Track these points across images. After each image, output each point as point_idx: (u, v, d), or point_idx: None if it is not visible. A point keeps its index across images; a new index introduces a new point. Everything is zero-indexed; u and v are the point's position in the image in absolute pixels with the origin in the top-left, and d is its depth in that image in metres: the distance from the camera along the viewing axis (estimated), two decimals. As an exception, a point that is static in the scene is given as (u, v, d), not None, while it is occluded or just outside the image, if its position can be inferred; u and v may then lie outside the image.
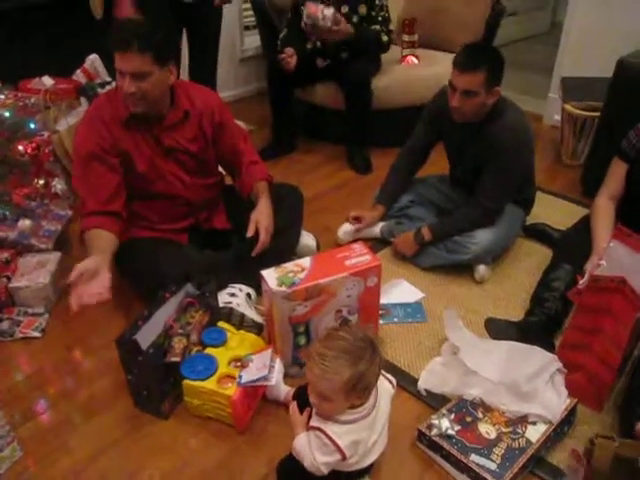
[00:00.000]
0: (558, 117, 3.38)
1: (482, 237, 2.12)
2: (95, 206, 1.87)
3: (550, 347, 1.81)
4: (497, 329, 1.92)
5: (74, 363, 1.90)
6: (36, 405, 1.73)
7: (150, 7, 2.69)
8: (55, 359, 1.89)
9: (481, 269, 2.18)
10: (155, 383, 1.62)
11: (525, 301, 2.05)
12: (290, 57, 2.90)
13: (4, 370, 1.86)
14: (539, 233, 2.44)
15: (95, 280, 1.65)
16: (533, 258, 2.33)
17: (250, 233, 1.93)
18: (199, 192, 2.09)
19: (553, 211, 2.65)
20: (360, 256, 1.68)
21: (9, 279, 2.07)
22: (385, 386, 1.43)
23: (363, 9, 2.95)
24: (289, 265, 1.66)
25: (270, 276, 1.62)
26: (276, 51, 3.04)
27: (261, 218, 1.97)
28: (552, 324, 1.92)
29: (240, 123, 3.54)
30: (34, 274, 2.08)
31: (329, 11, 2.78)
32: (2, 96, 2.11)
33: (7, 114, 2.09)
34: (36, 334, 1.97)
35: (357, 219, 2.39)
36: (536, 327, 1.89)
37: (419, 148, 2.40)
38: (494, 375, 1.66)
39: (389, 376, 1.47)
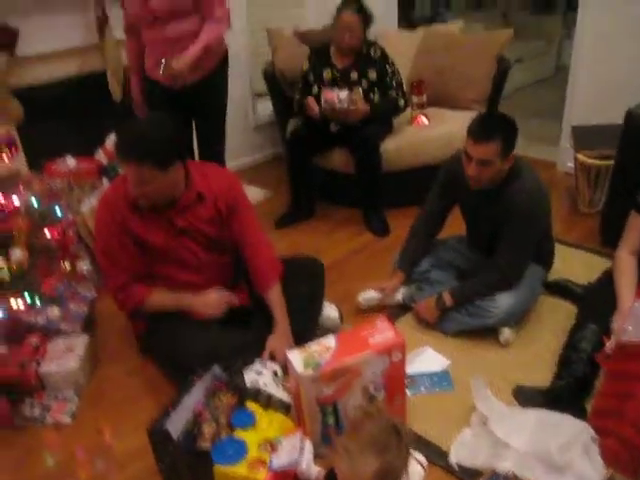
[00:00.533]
0: (571, 164, 3.39)
1: (504, 301, 2.12)
2: (125, 277, 1.99)
3: (581, 413, 1.78)
4: (526, 397, 1.90)
5: (105, 448, 1.91)
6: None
7: (152, 100, 2.83)
8: (86, 444, 1.91)
9: (505, 332, 2.17)
10: (187, 470, 1.62)
11: (552, 363, 2.03)
12: (313, 103, 2.99)
13: (36, 456, 1.87)
14: (562, 289, 2.43)
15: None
16: (557, 316, 2.31)
17: (264, 358, 1.94)
18: (215, 271, 2.12)
19: (574, 264, 2.64)
20: (383, 332, 1.69)
21: (39, 364, 2.11)
22: (416, 469, 1.42)
23: (373, 74, 3.04)
24: (313, 345, 1.67)
25: (295, 358, 1.63)
26: (291, 116, 3.17)
27: (278, 347, 1.97)
28: (581, 387, 1.89)
29: (257, 189, 3.65)
30: (63, 359, 2.11)
31: (344, 94, 2.90)
32: (32, 186, 2.18)
33: (35, 203, 2.16)
34: (67, 419, 1.99)
35: (379, 289, 2.42)
36: (565, 392, 1.87)
37: (435, 212, 2.42)
38: (525, 445, 1.64)
39: (419, 457, 1.46)
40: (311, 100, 3.01)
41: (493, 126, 2.03)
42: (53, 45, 2.99)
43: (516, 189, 2.08)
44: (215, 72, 2.77)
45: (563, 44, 6.62)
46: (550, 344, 2.16)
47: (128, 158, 1.81)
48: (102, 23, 3.02)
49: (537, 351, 2.15)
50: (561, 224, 3.00)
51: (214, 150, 2.99)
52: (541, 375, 2.01)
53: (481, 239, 2.34)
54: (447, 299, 2.20)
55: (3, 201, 1.94)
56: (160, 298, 2.03)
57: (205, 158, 2.94)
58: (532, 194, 2.10)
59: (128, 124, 1.91)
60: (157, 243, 1.98)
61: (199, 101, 2.79)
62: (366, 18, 2.99)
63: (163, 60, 2.59)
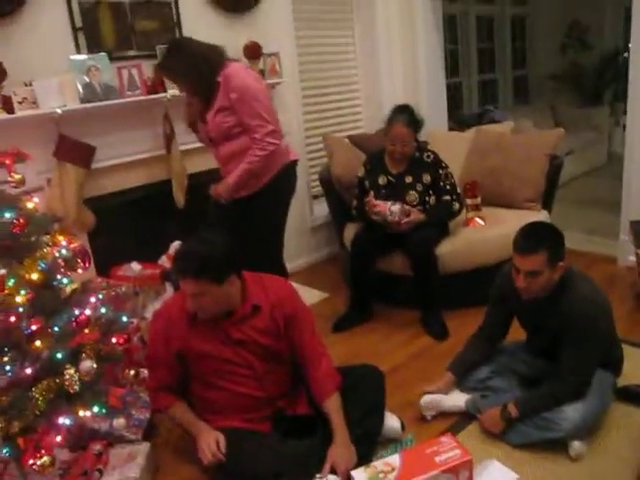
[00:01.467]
0: (633, 258, 3.32)
1: (572, 413, 2.04)
2: (158, 384, 2.14)
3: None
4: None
5: None
6: None
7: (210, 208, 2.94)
8: None
9: (576, 445, 2.06)
10: None
11: (630, 477, 1.92)
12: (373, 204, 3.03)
13: None
14: (634, 396, 2.32)
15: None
16: (632, 425, 2.20)
17: (325, 472, 1.92)
18: (274, 381, 2.12)
19: (644, 366, 2.53)
20: (450, 451, 1.65)
21: (101, 473, 2.12)
22: None
23: (427, 178, 3.11)
24: (378, 464, 1.64)
25: (360, 476, 1.61)
26: (348, 219, 3.30)
27: (340, 460, 1.94)
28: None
29: (313, 291, 3.69)
30: (125, 468, 2.12)
31: (396, 207, 2.97)
32: (100, 296, 2.28)
33: (103, 310, 2.25)
34: None
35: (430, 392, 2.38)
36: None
37: (494, 324, 2.41)
38: None
39: None
40: (372, 200, 3.03)
41: (538, 237, 2.06)
42: (123, 157, 3.21)
43: (574, 298, 2.07)
44: (264, 191, 2.80)
45: (613, 134, 6.68)
46: (626, 456, 2.05)
47: (185, 273, 1.92)
48: (169, 137, 3.24)
49: (612, 464, 2.04)
50: (626, 323, 2.90)
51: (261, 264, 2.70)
52: (619, 493, 1.90)
53: (542, 346, 2.29)
54: (512, 411, 2.13)
55: (77, 313, 2.03)
56: (179, 413, 2.15)
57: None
58: (589, 300, 2.07)
59: (188, 241, 2.04)
60: (213, 354, 2.04)
61: (244, 217, 2.84)
62: (417, 127, 3.08)
63: (213, 185, 2.83)
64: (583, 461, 2.07)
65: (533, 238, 2.06)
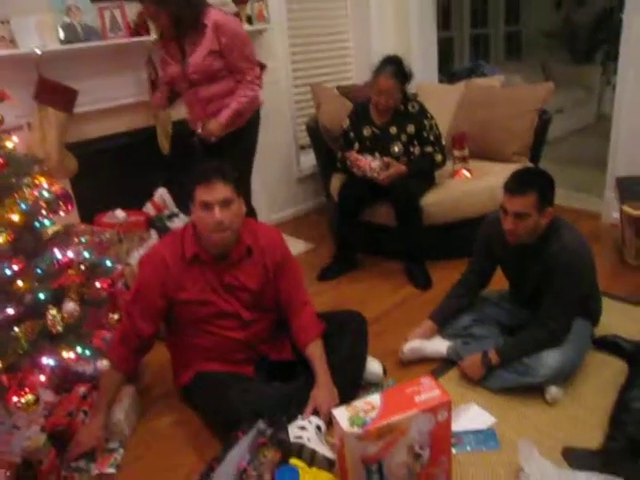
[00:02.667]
0: (617, 215, 3.35)
1: (551, 359, 2.08)
2: (127, 331, 2.08)
3: (637, 477, 1.72)
4: (576, 459, 1.84)
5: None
6: None
7: (192, 145, 2.99)
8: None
9: (552, 390, 2.11)
10: (230, 528, 1.62)
11: (603, 422, 1.97)
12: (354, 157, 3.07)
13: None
14: (610, 346, 2.37)
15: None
16: (607, 373, 2.25)
17: (307, 414, 1.95)
18: (258, 329, 2.14)
19: (622, 318, 2.57)
20: (429, 391, 1.67)
21: (86, 414, 2.14)
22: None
23: (411, 128, 3.10)
24: (359, 403, 1.66)
25: (341, 416, 1.62)
26: (335, 170, 3.30)
27: (321, 401, 1.97)
28: (636, 449, 1.82)
29: (299, 241, 3.69)
30: (110, 410, 2.15)
31: (375, 163, 2.98)
32: (83, 239, 2.25)
33: (87, 255, 2.23)
34: (111, 470, 2.00)
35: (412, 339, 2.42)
36: (619, 454, 1.80)
37: (478, 271, 2.43)
38: (579, 512, 1.58)
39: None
40: (353, 154, 3.07)
41: (528, 179, 2.07)
42: (107, 102, 3.14)
43: (556, 246, 2.08)
44: (244, 128, 2.96)
45: (603, 93, 6.64)
46: (599, 402, 2.10)
47: (215, 177, 1.91)
48: (154, 81, 3.16)
49: (586, 409, 2.09)
50: (608, 278, 2.94)
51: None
52: (591, 435, 1.95)
53: (524, 295, 2.32)
54: (493, 357, 2.17)
55: (59, 256, 2.01)
56: (107, 380, 2.10)
57: None
58: (574, 250, 2.09)
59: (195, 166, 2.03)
60: (203, 300, 2.04)
61: (228, 148, 2.94)
62: (404, 79, 3.04)
63: (199, 123, 2.89)
64: (558, 406, 2.12)
65: (524, 179, 2.07)
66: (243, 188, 2.90)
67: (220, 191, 1.91)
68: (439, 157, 3.11)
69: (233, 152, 2.93)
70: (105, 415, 2.04)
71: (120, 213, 3.04)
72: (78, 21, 2.85)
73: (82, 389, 2.22)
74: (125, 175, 3.29)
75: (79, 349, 1.96)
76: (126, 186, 3.27)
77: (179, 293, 2.03)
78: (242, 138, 2.98)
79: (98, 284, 2.24)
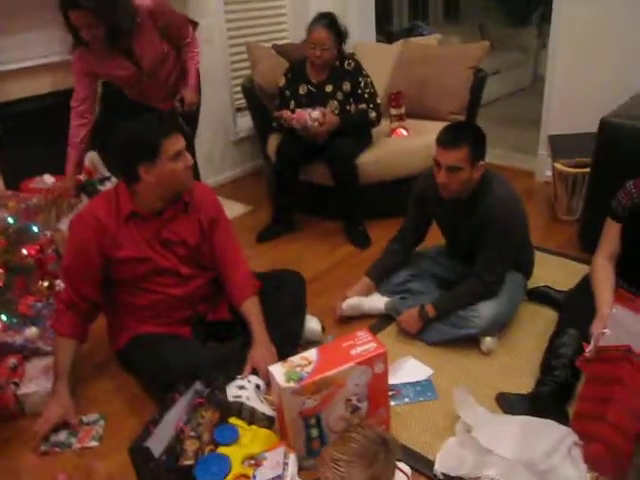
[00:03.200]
0: (550, 173, 3.43)
1: (485, 310, 2.13)
2: (71, 297, 1.98)
3: (564, 418, 1.79)
4: (509, 404, 1.90)
5: (88, 467, 1.86)
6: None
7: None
8: (66, 464, 1.85)
9: (487, 341, 2.17)
10: (169, 489, 1.60)
11: (535, 369, 2.04)
12: (288, 114, 3.03)
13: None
14: (542, 296, 2.45)
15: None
16: (539, 323, 2.33)
17: (246, 373, 1.95)
18: (196, 285, 2.11)
19: (554, 270, 2.66)
20: (365, 344, 1.69)
21: (17, 385, 2.07)
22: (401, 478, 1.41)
23: (347, 86, 3.07)
24: (295, 359, 1.66)
25: (278, 372, 1.62)
26: (271, 131, 3.26)
27: (259, 360, 1.97)
28: (563, 392, 1.90)
29: (237, 204, 3.64)
30: (42, 379, 2.08)
31: (315, 113, 2.93)
32: (8, 203, 2.15)
33: (11, 220, 2.14)
34: (94, 443, 1.92)
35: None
36: (548, 398, 1.87)
37: (412, 227, 2.46)
38: (510, 453, 1.63)
39: (405, 467, 1.45)
40: (286, 112, 3.03)
41: (461, 133, 2.09)
42: (28, 61, 2.97)
43: (489, 200, 2.12)
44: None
45: (539, 55, 6.76)
46: (531, 351, 2.17)
47: (171, 131, 1.90)
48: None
49: (519, 358, 2.17)
50: (540, 233, 3.03)
51: None
52: (524, 381, 2.02)
53: (460, 249, 2.37)
54: (429, 310, 2.21)
55: (-22, 220, 1.92)
56: (60, 350, 1.99)
57: None
58: (505, 203, 2.13)
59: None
60: (140, 256, 1.98)
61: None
62: (338, 33, 3.01)
63: (178, 97, 2.93)
64: (493, 356, 2.19)
65: (457, 133, 2.08)
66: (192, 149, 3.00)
67: (182, 139, 1.92)
68: (373, 114, 3.08)
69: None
70: (66, 385, 1.97)
71: (49, 178, 2.91)
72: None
73: (12, 360, 2.13)
74: (52, 139, 3.13)
75: (4, 317, 1.89)
76: (53, 150, 3.12)
77: (116, 251, 1.96)
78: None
79: (25, 251, 2.15)
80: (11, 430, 2.00)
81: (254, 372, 1.97)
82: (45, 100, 3.10)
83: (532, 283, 2.47)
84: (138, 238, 1.98)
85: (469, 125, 2.20)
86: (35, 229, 2.22)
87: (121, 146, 1.95)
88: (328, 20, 2.98)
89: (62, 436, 1.93)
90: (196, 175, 3.03)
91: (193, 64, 2.90)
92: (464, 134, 2.08)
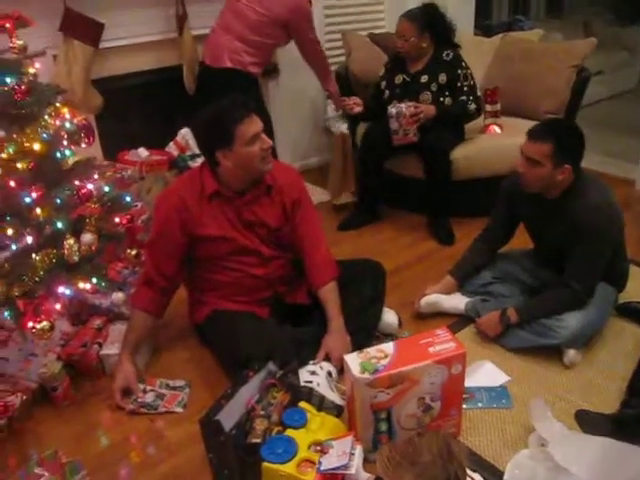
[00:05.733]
0: (651, 182, 3.24)
1: (572, 321, 2.03)
2: (151, 273, 2.05)
3: (651, 445, 1.69)
4: (590, 423, 1.81)
5: (158, 434, 1.92)
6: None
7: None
8: (139, 428, 1.93)
9: (571, 353, 2.07)
10: (235, 463, 1.62)
11: (620, 389, 1.94)
12: (356, 104, 3.05)
13: (93, 436, 1.92)
14: (633, 313, 2.32)
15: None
16: (627, 340, 2.21)
17: (319, 359, 1.95)
18: (277, 266, 2.13)
19: (648, 287, 2.51)
20: (444, 343, 1.65)
21: (100, 346, 2.17)
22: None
23: (443, 77, 2.99)
24: (372, 350, 1.64)
25: (353, 361, 1.61)
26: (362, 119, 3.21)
27: (333, 347, 1.96)
28: (652, 418, 1.80)
29: (322, 190, 3.64)
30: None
31: (405, 104, 2.89)
32: (106, 172, 2.24)
33: (107, 189, 2.22)
34: (179, 409, 1.98)
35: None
36: (635, 422, 1.77)
37: (499, 227, 2.38)
38: (588, 475, 1.55)
39: (475, 475, 1.41)
40: (355, 99, 3.07)
41: (551, 128, 2.02)
42: (133, 38, 3.07)
43: (582, 205, 2.01)
44: None
45: (647, 56, 6.37)
46: (618, 368, 2.06)
47: (249, 112, 1.91)
48: (182, 19, 3.09)
49: (603, 375, 2.06)
50: (637, 246, 2.86)
51: None
52: (607, 401, 1.92)
53: (548, 254, 2.26)
54: (512, 315, 2.13)
55: (79, 186, 2.00)
56: (137, 323, 2.06)
57: None
58: (600, 210, 2.01)
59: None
60: (223, 236, 2.02)
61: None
62: (428, 24, 2.96)
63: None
64: (575, 370, 2.08)
65: (546, 128, 2.02)
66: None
67: (258, 121, 1.93)
68: (472, 106, 2.99)
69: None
70: (131, 355, 2.04)
71: (143, 151, 3.02)
72: (107, -50, 2.77)
73: (97, 321, 2.25)
74: (150, 114, 3.25)
75: (94, 280, 1.98)
76: (150, 125, 3.25)
77: (199, 229, 2.01)
78: None
79: (117, 219, 2.24)
80: (92, 387, 2.11)
81: (327, 358, 1.97)
82: (145, 77, 3.21)
83: (623, 297, 2.33)
84: (221, 217, 2.02)
85: (566, 125, 2.10)
86: (128, 199, 2.30)
87: (198, 132, 2.04)
88: (416, 12, 2.98)
89: (150, 398, 2.00)
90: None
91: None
92: (553, 131, 2.00)
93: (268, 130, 2.28)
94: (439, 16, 3.01)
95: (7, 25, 1.98)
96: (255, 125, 1.91)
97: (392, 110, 2.88)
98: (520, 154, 2.06)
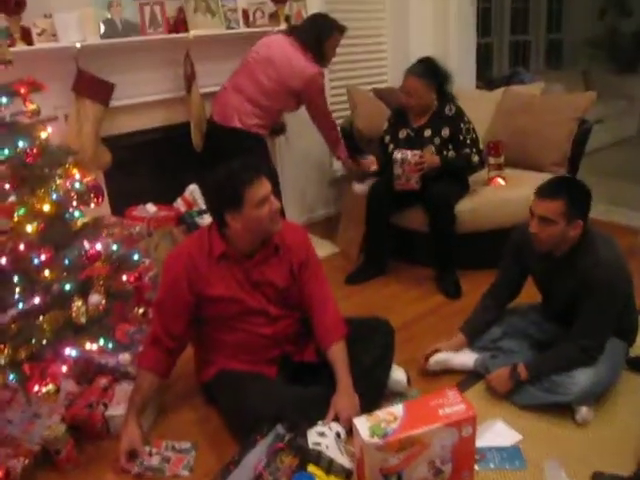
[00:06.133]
0: (657, 230, 3.24)
1: (583, 377, 2.00)
2: (158, 333, 2.04)
3: (669, 507, 1.64)
4: (606, 485, 1.77)
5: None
6: None
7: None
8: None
9: (583, 411, 2.03)
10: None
11: (635, 447, 1.89)
12: (372, 163, 3.14)
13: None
14: (645, 367, 2.29)
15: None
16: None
17: (328, 420, 1.91)
18: (284, 325, 2.12)
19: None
20: (454, 405, 1.63)
21: (106, 406, 2.14)
22: None
23: (446, 131, 3.04)
24: (381, 413, 1.62)
25: (362, 425, 1.59)
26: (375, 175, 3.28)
27: (342, 408, 1.93)
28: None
29: (328, 243, 3.66)
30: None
31: (410, 152, 2.94)
32: (114, 230, 2.27)
33: (115, 247, 2.24)
34: (185, 473, 1.93)
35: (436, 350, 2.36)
36: (651, 483, 1.73)
37: (507, 281, 2.37)
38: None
39: None
40: (370, 158, 3.15)
41: (560, 186, 2.03)
42: (143, 97, 3.15)
43: (591, 261, 2.01)
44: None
45: (646, 104, 6.47)
46: (632, 426, 2.01)
47: (258, 175, 1.93)
48: (190, 78, 3.17)
49: (617, 433, 2.01)
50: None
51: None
52: (623, 461, 1.86)
53: (556, 309, 2.25)
54: (522, 372, 2.10)
55: (88, 247, 2.02)
56: (143, 383, 2.03)
57: None
58: (609, 266, 2.01)
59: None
60: (230, 296, 2.02)
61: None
62: (434, 79, 3.00)
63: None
64: (589, 428, 2.04)
65: (555, 185, 2.03)
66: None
67: (267, 184, 1.95)
68: (476, 158, 3.03)
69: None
70: (136, 416, 2.00)
71: (151, 207, 3.05)
72: (119, 16, 2.87)
73: (103, 381, 2.23)
74: (158, 170, 3.30)
75: (102, 341, 1.97)
76: (158, 181, 3.29)
77: (207, 290, 2.01)
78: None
79: (125, 277, 2.25)
80: (97, 449, 2.06)
81: (336, 419, 1.94)
82: (154, 133, 3.27)
83: (634, 351, 2.29)
84: (229, 278, 2.02)
85: (573, 181, 2.12)
86: (136, 257, 2.31)
87: (208, 194, 2.06)
88: (423, 67, 3.00)
89: (156, 460, 1.96)
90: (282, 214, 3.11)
91: None
92: (563, 188, 2.01)
93: (276, 189, 2.31)
94: (440, 69, 3.06)
95: (22, 90, 2.05)
96: (264, 188, 1.93)
97: (397, 155, 2.92)
98: (530, 215, 2.06)
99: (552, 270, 2.15)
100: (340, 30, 3.12)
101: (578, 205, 2.00)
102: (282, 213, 3.07)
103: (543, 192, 2.02)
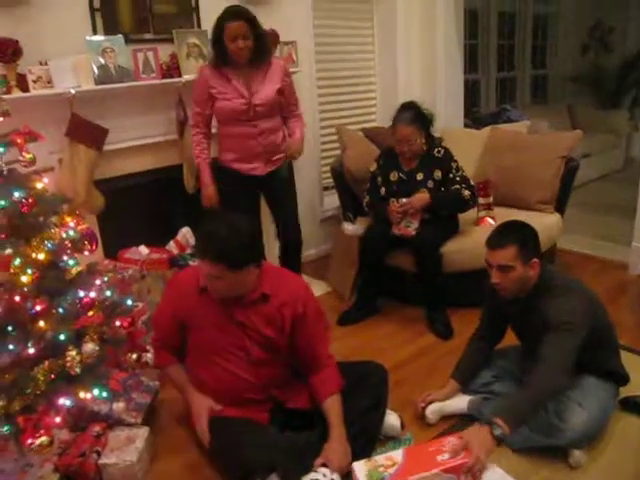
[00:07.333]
0: (645, 266, 3.28)
1: (576, 420, 2.01)
2: (161, 344, 2.25)
3: None
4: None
5: None
6: None
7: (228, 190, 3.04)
8: None
9: (576, 454, 2.04)
10: None
11: (629, 490, 1.90)
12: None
13: None
14: (635, 407, 2.29)
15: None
16: (633, 435, 2.18)
17: (316, 466, 1.89)
18: (268, 369, 2.10)
19: (650, 377, 2.49)
20: (454, 451, 1.64)
21: (99, 454, 2.13)
22: None
23: (438, 174, 3.07)
24: (380, 458, 1.64)
25: (360, 469, 1.61)
26: (359, 213, 3.33)
27: (332, 456, 1.92)
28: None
29: (320, 283, 3.68)
30: (123, 450, 2.12)
31: (403, 200, 3.00)
32: (106, 278, 2.27)
33: (108, 293, 2.24)
34: None
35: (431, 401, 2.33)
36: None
37: (489, 327, 2.41)
38: None
39: None
40: (394, 205, 3.03)
41: (507, 233, 2.10)
42: (135, 141, 3.20)
43: (546, 301, 2.07)
44: (283, 166, 3.12)
45: (631, 138, 6.59)
46: (627, 469, 2.02)
47: (205, 254, 1.93)
48: (182, 122, 3.22)
49: (611, 475, 2.01)
50: (636, 332, 2.86)
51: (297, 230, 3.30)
52: (617, 504, 1.88)
53: (530, 349, 2.24)
54: (503, 427, 1.84)
55: (82, 295, 2.03)
56: (175, 374, 2.24)
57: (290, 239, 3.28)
58: (561, 304, 2.04)
59: (212, 221, 2.00)
60: (213, 327, 2.07)
61: (274, 191, 3.17)
62: (423, 123, 3.05)
63: (284, 145, 3.09)
64: (583, 471, 2.04)
65: (503, 233, 2.11)
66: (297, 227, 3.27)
67: (207, 268, 1.94)
68: (467, 192, 3.03)
69: (280, 196, 3.23)
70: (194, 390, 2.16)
71: (144, 249, 3.07)
72: (113, 62, 2.93)
73: (97, 428, 2.21)
74: (150, 212, 3.32)
75: (96, 391, 1.96)
76: (151, 223, 3.31)
77: (190, 319, 2.10)
78: (285, 178, 3.18)
79: (118, 323, 2.25)
80: (89, 499, 2.05)
81: (325, 466, 1.92)
82: (146, 176, 3.30)
83: (627, 391, 2.31)
84: (212, 312, 2.05)
85: (517, 223, 2.18)
86: (129, 302, 2.32)
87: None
88: (412, 113, 3.02)
89: None
90: (296, 231, 3.28)
91: (299, 129, 3.14)
92: (511, 233, 2.09)
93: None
94: (425, 113, 3.09)
95: (18, 141, 2.08)
96: (203, 266, 1.96)
97: (402, 201, 2.98)
98: (488, 267, 2.12)
99: (520, 312, 2.20)
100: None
101: (530, 245, 2.08)
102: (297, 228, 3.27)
103: (494, 242, 2.09)
